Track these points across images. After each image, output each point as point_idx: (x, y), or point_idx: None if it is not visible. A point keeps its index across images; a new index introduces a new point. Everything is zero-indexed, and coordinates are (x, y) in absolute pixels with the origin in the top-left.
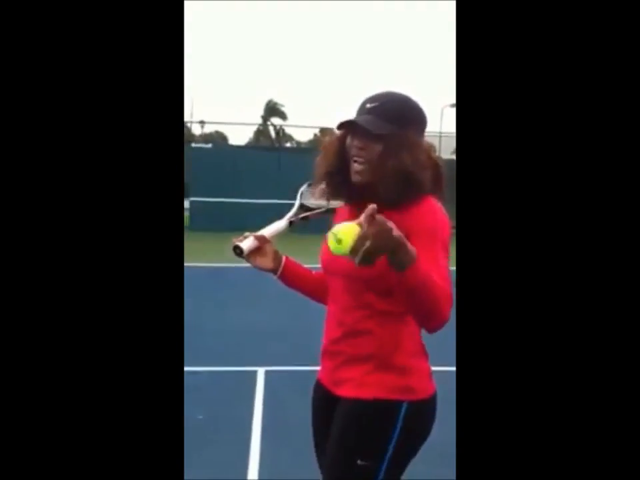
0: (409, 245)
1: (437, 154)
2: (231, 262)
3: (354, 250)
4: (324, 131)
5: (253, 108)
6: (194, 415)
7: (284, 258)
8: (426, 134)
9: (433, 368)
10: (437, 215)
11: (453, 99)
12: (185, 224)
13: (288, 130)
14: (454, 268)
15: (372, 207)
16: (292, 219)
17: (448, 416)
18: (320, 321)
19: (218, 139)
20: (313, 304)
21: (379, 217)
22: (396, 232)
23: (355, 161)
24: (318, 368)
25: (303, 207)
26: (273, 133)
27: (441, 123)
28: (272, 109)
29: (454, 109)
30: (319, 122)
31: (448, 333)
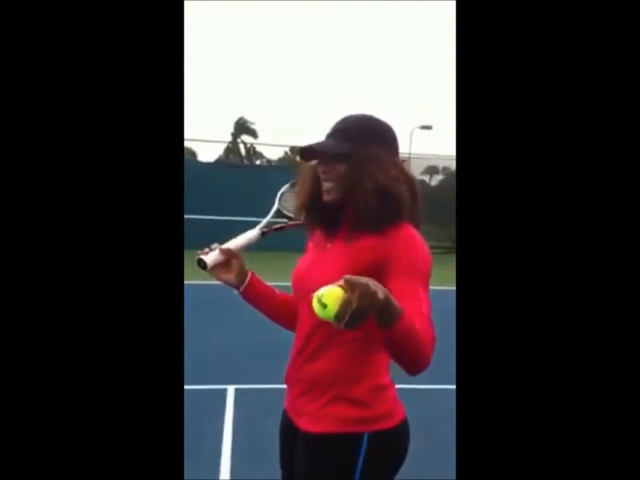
0: (394, 302)
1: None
2: (197, 279)
3: (339, 315)
4: (294, 149)
5: (222, 125)
6: None
7: (249, 274)
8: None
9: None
10: (417, 243)
11: (422, 120)
12: None
13: (258, 148)
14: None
15: (349, 277)
16: (264, 229)
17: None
18: (289, 338)
19: (187, 155)
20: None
21: (362, 279)
22: (381, 293)
23: (324, 182)
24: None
25: (279, 213)
26: (243, 151)
27: (410, 144)
28: (242, 127)
29: (423, 131)
30: (289, 140)
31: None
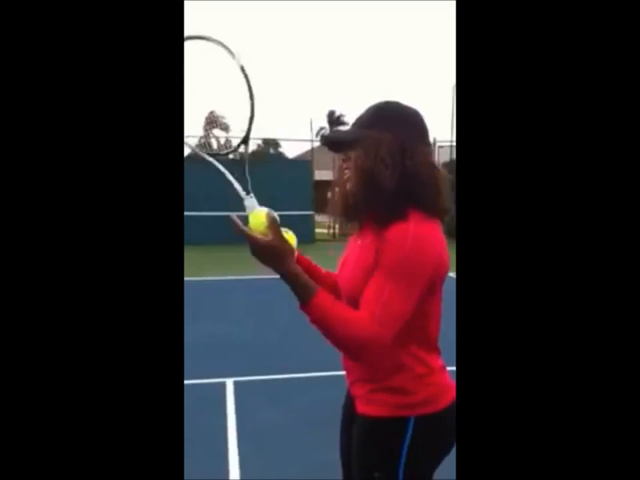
0: (303, 280)
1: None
2: (187, 276)
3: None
4: (267, 142)
5: (194, 119)
6: None
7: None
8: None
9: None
10: (407, 241)
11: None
12: None
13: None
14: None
15: (272, 223)
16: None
17: None
18: (284, 331)
19: None
20: (277, 315)
21: (279, 235)
22: (283, 264)
23: (345, 171)
24: (285, 376)
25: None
26: (215, 145)
27: None
28: (213, 121)
29: None
30: (262, 134)
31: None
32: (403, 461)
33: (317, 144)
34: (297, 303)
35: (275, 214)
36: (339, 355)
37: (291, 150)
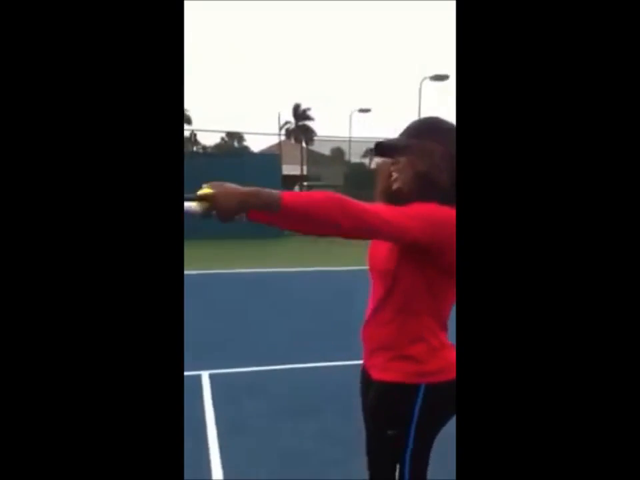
0: (266, 193)
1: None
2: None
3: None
4: (231, 135)
5: None
6: None
7: None
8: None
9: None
10: (422, 205)
11: (360, 104)
12: None
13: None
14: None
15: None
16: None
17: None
18: (257, 326)
19: None
20: (250, 310)
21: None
22: (238, 191)
23: (391, 174)
24: (262, 368)
25: None
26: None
27: (350, 127)
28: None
29: (362, 114)
30: (225, 126)
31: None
32: (414, 422)
33: (284, 138)
34: (269, 298)
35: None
36: (314, 347)
37: (255, 144)
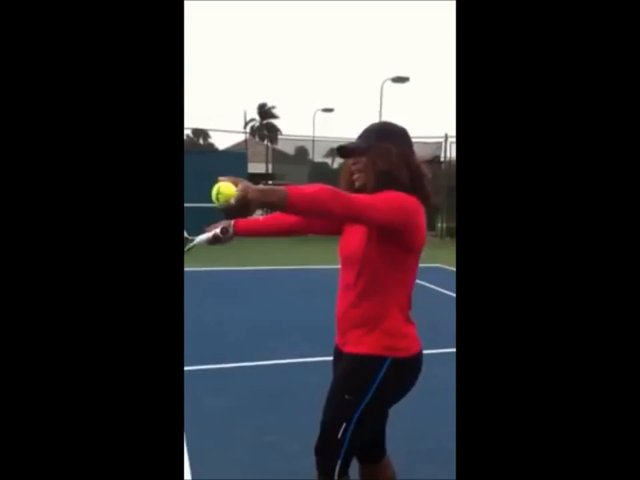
0: (272, 190)
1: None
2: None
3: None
4: (196, 131)
5: None
6: None
7: (231, 222)
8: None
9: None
10: (389, 193)
11: (323, 104)
12: None
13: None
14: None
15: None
16: (220, 235)
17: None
18: (217, 325)
19: None
20: (210, 308)
21: (244, 183)
22: (251, 192)
23: (353, 173)
24: (224, 365)
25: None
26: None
27: (313, 127)
28: None
29: (325, 113)
30: (190, 123)
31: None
32: (372, 390)
33: (248, 136)
34: (226, 298)
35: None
36: (275, 345)
37: (220, 141)
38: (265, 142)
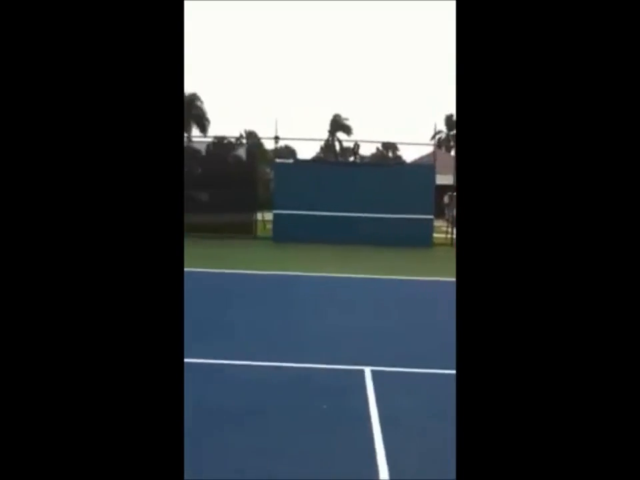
0: None
1: None
2: (311, 271)
3: None
4: (387, 145)
5: (321, 123)
6: (319, 404)
7: None
8: None
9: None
10: None
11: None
12: (268, 235)
13: (352, 144)
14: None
15: None
16: None
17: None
18: (422, 325)
19: (287, 153)
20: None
21: None
22: None
23: None
24: (425, 370)
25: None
26: (337, 147)
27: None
28: (337, 124)
29: None
30: (381, 137)
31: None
32: None
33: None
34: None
35: None
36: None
37: (407, 154)
38: (452, 153)
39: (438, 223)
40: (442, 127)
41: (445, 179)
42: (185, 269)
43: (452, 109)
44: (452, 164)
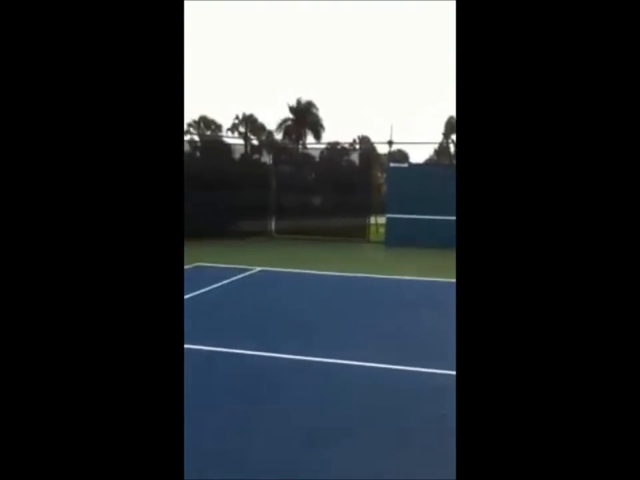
0: None
1: None
2: (429, 276)
3: None
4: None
5: (435, 126)
6: (437, 411)
7: None
8: None
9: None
10: None
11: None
12: (380, 239)
13: None
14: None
15: None
16: None
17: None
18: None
19: (400, 157)
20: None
21: None
22: None
23: None
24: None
25: None
26: (452, 150)
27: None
28: (452, 126)
29: None
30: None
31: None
32: None
33: None
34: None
35: None
36: None
37: None
38: None
39: None
40: None
41: None
42: (303, 271)
43: None
44: None
